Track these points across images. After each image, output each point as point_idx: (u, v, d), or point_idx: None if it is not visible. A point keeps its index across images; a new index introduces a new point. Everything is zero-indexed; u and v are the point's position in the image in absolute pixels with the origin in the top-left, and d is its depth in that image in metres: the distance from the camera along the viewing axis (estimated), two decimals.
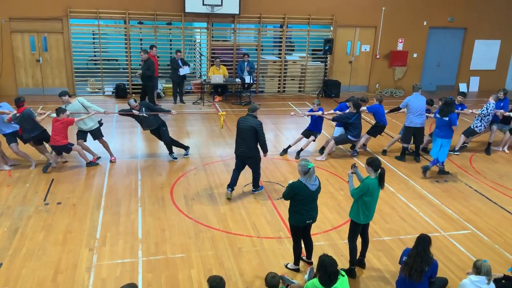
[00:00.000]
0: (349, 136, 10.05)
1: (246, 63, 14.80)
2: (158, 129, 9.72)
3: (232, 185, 8.14)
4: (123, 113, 9.85)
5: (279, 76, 16.55)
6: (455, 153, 10.84)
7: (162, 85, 15.50)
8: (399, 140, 10.48)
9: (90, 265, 6.08)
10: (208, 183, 8.77)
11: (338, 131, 10.42)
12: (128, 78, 15.34)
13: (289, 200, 5.87)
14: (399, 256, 5.52)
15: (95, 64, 16.22)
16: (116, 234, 6.87)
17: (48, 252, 6.33)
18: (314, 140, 10.32)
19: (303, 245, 6.12)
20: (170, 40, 16.28)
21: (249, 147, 7.85)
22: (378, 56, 17.05)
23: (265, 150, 8.06)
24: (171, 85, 14.85)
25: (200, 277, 5.92)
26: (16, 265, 6.01)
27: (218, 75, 14.51)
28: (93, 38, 15.33)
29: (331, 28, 16.35)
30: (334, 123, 10.49)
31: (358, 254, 6.17)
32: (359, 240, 6.11)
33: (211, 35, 15.65)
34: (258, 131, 7.74)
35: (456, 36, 17.67)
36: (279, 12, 15.68)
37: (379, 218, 7.61)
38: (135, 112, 9.45)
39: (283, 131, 12.21)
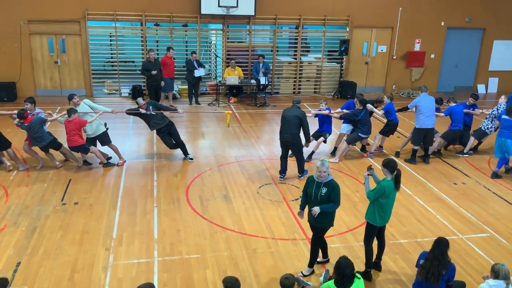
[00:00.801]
0: (359, 134, 9.93)
1: (261, 65, 14.80)
2: (167, 129, 9.67)
3: (283, 171, 8.97)
4: (130, 112, 9.88)
5: (295, 77, 16.52)
6: (465, 155, 10.72)
7: (178, 86, 15.59)
8: (411, 142, 10.36)
9: (106, 265, 6.13)
10: (223, 184, 8.78)
11: (345, 127, 10.33)
12: (144, 79, 15.45)
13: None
14: (416, 259, 5.45)
15: (112, 65, 16.39)
16: (132, 234, 6.92)
17: (65, 252, 6.41)
18: (325, 142, 10.20)
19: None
20: (186, 42, 16.36)
21: (293, 134, 8.59)
22: (394, 57, 16.90)
23: (307, 139, 8.94)
24: (186, 87, 14.92)
25: (215, 278, 5.93)
26: (34, 264, 6.09)
27: (233, 77, 14.54)
28: (110, 40, 15.49)
29: (347, 29, 16.26)
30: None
31: (374, 256, 6.11)
32: (375, 243, 6.04)
33: (226, 37, 15.70)
34: (303, 120, 8.58)
35: (474, 36, 17.43)
36: (295, 13, 15.66)
37: (395, 220, 7.53)
38: (142, 110, 9.48)
39: None
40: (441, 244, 5.07)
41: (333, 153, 10.47)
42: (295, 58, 16.43)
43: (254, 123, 12.80)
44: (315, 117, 10.13)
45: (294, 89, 16.61)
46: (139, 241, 6.73)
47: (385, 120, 10.58)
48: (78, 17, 14.28)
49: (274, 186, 8.77)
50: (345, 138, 10.32)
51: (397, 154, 10.57)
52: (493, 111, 10.42)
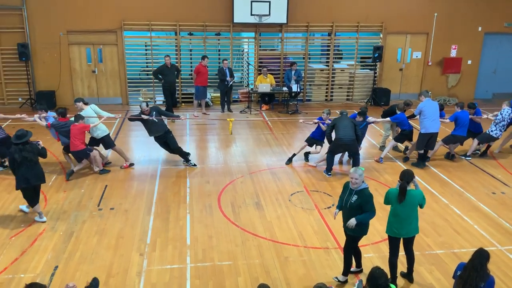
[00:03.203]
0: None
1: (293, 72, 14.80)
2: (164, 136, 9.75)
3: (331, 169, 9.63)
4: (132, 117, 9.96)
5: (327, 85, 16.43)
6: (467, 158, 10.56)
7: (211, 94, 15.77)
8: (415, 148, 10.26)
9: (140, 270, 6.23)
10: (254, 191, 8.80)
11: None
12: (178, 88, 15.71)
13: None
14: (453, 270, 5.29)
15: (147, 74, 16.74)
16: (166, 239, 7.01)
17: (101, 256, 6.55)
18: (318, 152, 10.22)
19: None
20: (219, 50, 16.55)
21: (352, 137, 9.30)
22: (430, 63, 16.58)
23: (360, 143, 9.73)
24: (219, 94, 15.07)
25: (246, 285, 5.93)
26: (70, 268, 6.25)
27: (265, 84, 14.60)
28: (146, 49, 15.84)
29: (381, 35, 16.07)
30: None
31: (399, 269, 6.00)
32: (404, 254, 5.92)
33: (258, 45, 15.79)
34: (356, 125, 9.41)
35: None
36: (327, 20, 15.60)
37: (431, 230, 7.35)
38: (144, 116, 9.59)
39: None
40: (481, 256, 4.89)
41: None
42: (328, 65, 16.35)
43: (286, 131, 12.79)
44: (315, 123, 10.17)
45: (326, 96, 16.51)
46: (172, 247, 6.81)
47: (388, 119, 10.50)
48: (115, 27, 14.68)
49: (306, 194, 8.73)
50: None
51: (406, 159, 10.47)
52: (498, 116, 10.33)
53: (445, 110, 10.78)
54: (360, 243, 6.06)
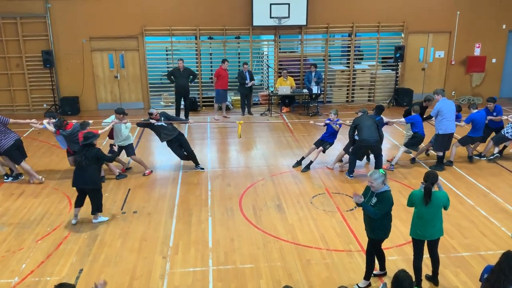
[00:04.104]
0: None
1: (313, 74, 14.75)
2: (177, 140, 9.75)
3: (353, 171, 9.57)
4: (141, 123, 10.00)
5: (348, 86, 16.30)
6: (482, 158, 10.34)
7: (231, 97, 15.82)
8: (433, 150, 10.01)
9: (163, 273, 6.28)
10: (276, 194, 8.78)
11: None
12: (198, 92, 15.83)
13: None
14: (479, 273, 5.17)
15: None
16: (188, 242, 7.05)
17: (125, 259, 6.63)
18: (324, 152, 9.99)
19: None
20: (239, 54, 16.61)
21: (377, 137, 9.18)
22: (453, 62, 16.30)
23: (381, 142, 9.57)
24: (239, 97, 15.12)
25: None
26: (95, 271, 6.34)
27: (285, 86, 14.58)
28: (166, 54, 15.99)
29: (402, 35, 15.88)
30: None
31: (424, 272, 5.90)
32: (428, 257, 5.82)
33: (278, 47, 15.78)
34: (379, 125, 9.34)
35: None
36: (347, 21, 15.50)
37: (456, 232, 7.22)
38: (152, 121, 9.62)
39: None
40: (509, 259, 4.76)
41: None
42: (348, 66, 16.23)
43: (307, 133, 12.73)
44: (324, 125, 10.00)
45: (347, 97, 16.39)
46: (194, 249, 6.85)
47: (402, 120, 10.24)
48: (136, 33, 14.88)
49: (327, 196, 8.67)
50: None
51: (413, 161, 10.29)
52: None
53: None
54: (384, 246, 5.98)
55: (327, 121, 9.93)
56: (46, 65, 14.40)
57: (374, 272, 6.07)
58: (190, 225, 7.61)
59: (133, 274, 6.25)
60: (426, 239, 5.69)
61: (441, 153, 9.79)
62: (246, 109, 14.89)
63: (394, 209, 7.70)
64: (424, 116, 10.28)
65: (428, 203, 5.52)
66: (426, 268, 5.99)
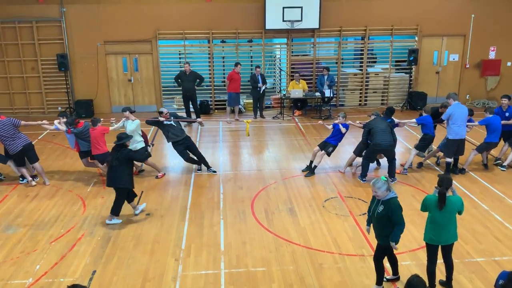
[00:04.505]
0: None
1: (326, 77, 14.71)
2: (184, 143, 9.76)
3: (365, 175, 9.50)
4: (151, 120, 10.01)
5: (360, 89, 16.23)
6: (497, 161, 10.19)
7: (243, 100, 15.85)
8: (443, 155, 9.78)
9: (176, 275, 6.30)
10: (288, 197, 8.76)
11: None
12: (211, 95, 15.89)
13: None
14: (494, 279, 5.10)
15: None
16: (200, 245, 7.06)
17: (137, 261, 6.66)
18: (328, 155, 9.85)
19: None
20: (251, 57, 16.65)
21: (391, 141, 9.11)
22: (468, 66, 16.14)
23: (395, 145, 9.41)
24: (251, 101, 15.14)
25: None
26: (108, 273, 6.39)
27: (297, 90, 14.56)
28: (179, 58, 16.09)
29: (416, 38, 15.78)
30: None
31: (438, 277, 5.84)
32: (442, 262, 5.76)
33: (290, 50, 15.78)
34: (392, 127, 9.28)
35: None
36: (360, 24, 15.45)
37: (471, 237, 7.13)
38: (161, 118, 9.65)
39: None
40: None
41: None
42: (361, 70, 16.16)
43: (319, 136, 12.68)
44: (332, 127, 9.91)
45: (360, 101, 16.31)
46: (206, 252, 6.86)
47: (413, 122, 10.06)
48: (150, 37, 14.99)
49: (340, 200, 8.63)
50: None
51: (420, 165, 10.17)
52: None
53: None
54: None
55: (336, 122, 9.87)
56: (61, 69, 14.58)
57: (387, 277, 6.03)
58: (202, 227, 7.63)
59: (146, 276, 6.28)
60: (440, 244, 5.63)
61: (449, 160, 9.55)
62: (258, 112, 14.90)
63: (408, 214, 7.65)
64: (437, 119, 10.15)
65: (442, 208, 5.46)
66: (440, 273, 5.93)
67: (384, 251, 5.78)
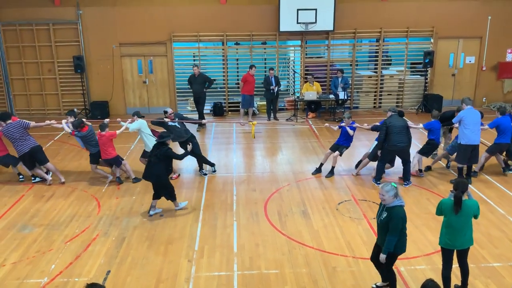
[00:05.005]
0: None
1: (340, 79, 14.65)
2: (188, 142, 9.69)
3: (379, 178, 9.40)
4: (155, 121, 10.07)
5: (375, 91, 16.13)
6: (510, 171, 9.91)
7: (257, 103, 15.86)
8: (456, 161, 9.53)
9: (189, 276, 6.32)
10: (301, 200, 8.74)
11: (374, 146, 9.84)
12: (225, 97, 15.93)
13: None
14: (511, 284, 5.03)
15: None
16: (213, 247, 7.08)
17: (151, 262, 6.70)
18: (340, 155, 9.84)
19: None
20: (265, 59, 16.66)
21: (407, 142, 8.97)
22: (484, 68, 15.93)
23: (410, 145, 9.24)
24: (265, 103, 15.14)
25: None
26: (122, 273, 6.43)
27: (311, 92, 14.53)
28: (194, 60, 16.16)
29: (431, 40, 15.63)
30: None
31: (454, 282, 5.77)
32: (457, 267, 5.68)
33: (304, 53, 15.76)
34: (408, 128, 9.06)
35: None
36: (375, 26, 15.36)
37: (487, 242, 7.03)
38: (167, 120, 9.70)
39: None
40: None
41: (356, 166, 10.14)
42: (376, 72, 16.07)
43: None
44: (339, 128, 9.89)
45: (374, 103, 16.20)
46: (219, 254, 6.87)
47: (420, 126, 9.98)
48: (165, 39, 15.10)
49: (354, 203, 8.57)
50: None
51: (428, 169, 10.04)
52: None
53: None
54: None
55: (341, 124, 9.85)
56: (77, 70, 14.76)
57: (377, 283, 5.98)
58: (215, 229, 7.65)
59: (159, 277, 6.31)
60: (456, 248, 5.57)
61: (461, 166, 9.34)
62: (272, 115, 14.90)
63: (423, 217, 7.58)
64: (446, 122, 9.99)
65: (458, 211, 5.40)
66: (455, 278, 5.86)
67: (392, 259, 5.63)
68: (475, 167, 9.75)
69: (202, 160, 10.08)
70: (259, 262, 6.64)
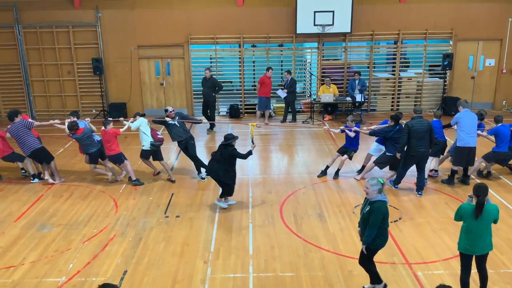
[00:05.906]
0: (387, 153, 9.29)
1: (357, 81, 14.57)
2: (186, 142, 9.79)
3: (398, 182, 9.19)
4: (156, 120, 10.16)
5: (393, 94, 15.99)
6: None
7: (273, 105, 15.86)
8: (451, 162, 9.50)
9: (204, 277, 6.34)
10: (317, 203, 8.70)
11: (374, 149, 9.81)
12: (241, 99, 15.97)
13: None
14: None
15: None
16: (229, 248, 7.09)
17: (167, 262, 6.74)
18: (350, 158, 9.78)
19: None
20: (281, 61, 16.65)
21: (427, 146, 8.68)
22: (504, 71, 15.67)
23: (431, 148, 8.88)
24: (282, 105, 15.12)
25: None
26: (139, 273, 6.48)
27: (328, 94, 14.47)
28: (210, 62, 16.25)
29: (451, 42, 15.44)
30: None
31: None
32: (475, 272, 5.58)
33: (321, 55, 15.70)
34: (431, 131, 8.67)
35: None
36: (393, 28, 15.23)
37: (506, 247, 6.90)
38: (167, 119, 9.74)
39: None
40: None
41: (359, 171, 10.04)
42: (394, 74, 15.92)
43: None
44: (341, 132, 9.83)
45: (392, 106, 16.07)
46: (235, 256, 6.88)
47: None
48: (182, 41, 15.21)
49: None
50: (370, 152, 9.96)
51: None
52: None
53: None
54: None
55: (343, 128, 9.80)
56: (96, 72, 14.96)
57: (365, 286, 5.95)
58: (231, 231, 7.66)
59: (175, 278, 6.34)
60: (475, 254, 5.48)
61: (455, 168, 9.32)
62: (289, 117, 14.87)
63: (441, 222, 7.46)
64: (445, 124, 9.89)
65: (478, 216, 5.31)
66: (474, 284, 5.76)
67: (372, 254, 5.69)
68: (469, 172, 9.60)
69: (198, 163, 10.05)
70: (275, 264, 6.62)
